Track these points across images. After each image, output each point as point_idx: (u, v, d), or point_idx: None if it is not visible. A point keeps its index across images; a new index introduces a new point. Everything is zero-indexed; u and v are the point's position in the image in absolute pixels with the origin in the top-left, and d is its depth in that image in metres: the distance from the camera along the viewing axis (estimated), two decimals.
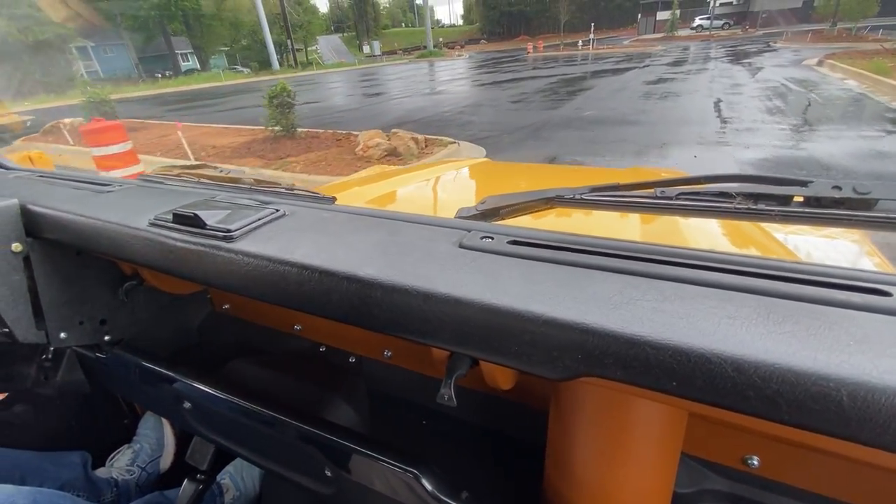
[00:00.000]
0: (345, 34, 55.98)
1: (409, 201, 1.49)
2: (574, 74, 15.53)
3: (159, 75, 33.39)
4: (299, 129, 7.40)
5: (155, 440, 1.14)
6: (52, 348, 0.92)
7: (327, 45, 43.76)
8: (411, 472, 0.58)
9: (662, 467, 0.52)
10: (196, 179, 0.89)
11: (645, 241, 0.47)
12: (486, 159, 2.06)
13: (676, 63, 17.11)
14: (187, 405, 0.81)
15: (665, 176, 1.60)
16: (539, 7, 55.79)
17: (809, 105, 7.89)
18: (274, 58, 31.36)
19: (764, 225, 1.15)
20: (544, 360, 0.38)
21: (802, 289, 0.36)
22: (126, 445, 1.12)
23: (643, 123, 7.36)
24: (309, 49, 41.57)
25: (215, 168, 1.07)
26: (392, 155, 5.85)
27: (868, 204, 0.45)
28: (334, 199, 0.68)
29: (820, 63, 13.02)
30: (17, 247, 0.75)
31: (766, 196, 0.49)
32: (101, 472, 1.03)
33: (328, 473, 0.67)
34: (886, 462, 0.45)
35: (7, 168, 1.04)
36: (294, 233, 0.56)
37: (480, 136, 7.15)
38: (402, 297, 0.43)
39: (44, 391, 0.95)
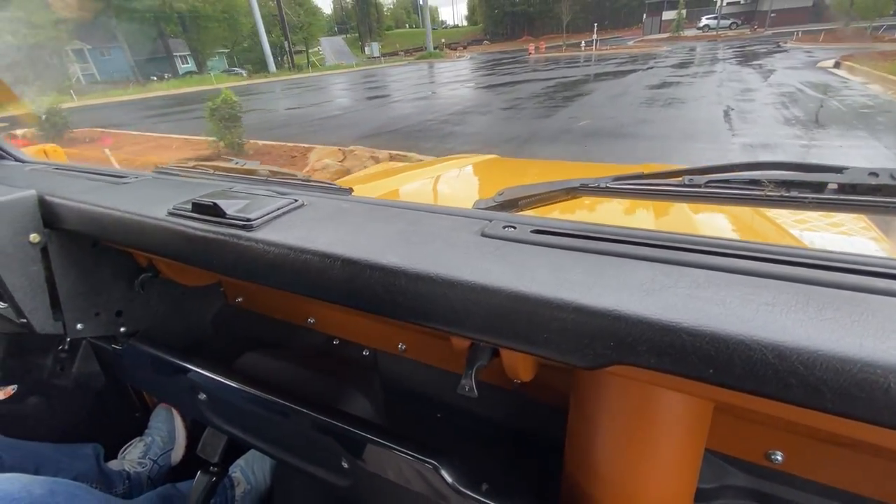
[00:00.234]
0: (348, 35, 55.67)
1: (423, 195, 1.44)
2: (573, 77, 14.77)
3: (155, 78, 32.76)
4: (258, 142, 6.66)
5: (166, 433, 1.16)
6: (68, 339, 0.98)
7: (330, 47, 43.33)
8: (431, 464, 0.58)
9: (686, 462, 0.51)
10: (211, 171, 0.89)
11: (668, 230, 0.47)
12: (494, 156, 2.00)
13: (682, 65, 16.33)
14: (202, 396, 0.82)
15: None
16: (542, 7, 55.16)
17: (831, 114, 7.03)
18: (270, 60, 30.88)
19: (792, 213, 1.16)
20: (574, 349, 0.37)
21: (841, 276, 0.36)
22: (138, 438, 1.14)
23: (642, 137, 6.53)
24: (311, 51, 41.02)
25: (230, 160, 1.04)
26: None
27: None
28: (351, 190, 0.69)
29: (837, 65, 12.16)
30: (35, 237, 0.77)
31: (798, 183, 0.49)
32: (113, 465, 1.05)
33: (345, 465, 0.67)
34: None
35: (23, 161, 1.05)
36: (314, 222, 0.56)
37: (459, 150, 6.35)
38: (426, 285, 0.42)
39: (59, 382, 1.02)
